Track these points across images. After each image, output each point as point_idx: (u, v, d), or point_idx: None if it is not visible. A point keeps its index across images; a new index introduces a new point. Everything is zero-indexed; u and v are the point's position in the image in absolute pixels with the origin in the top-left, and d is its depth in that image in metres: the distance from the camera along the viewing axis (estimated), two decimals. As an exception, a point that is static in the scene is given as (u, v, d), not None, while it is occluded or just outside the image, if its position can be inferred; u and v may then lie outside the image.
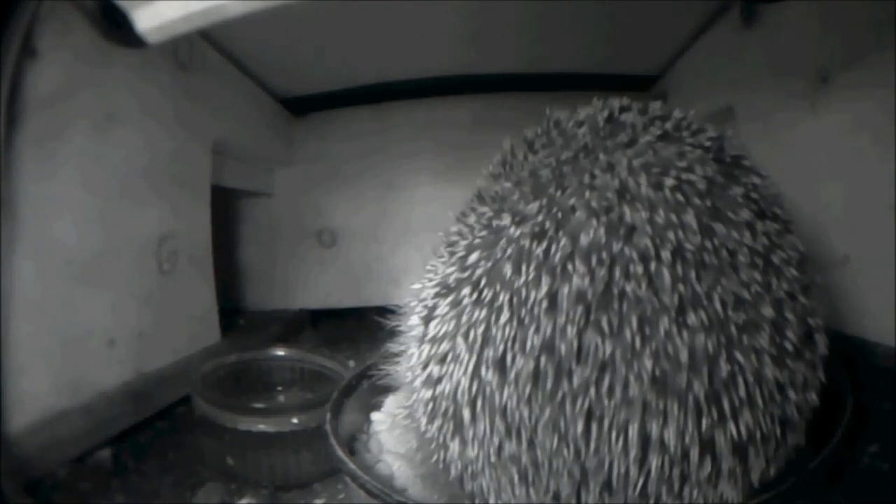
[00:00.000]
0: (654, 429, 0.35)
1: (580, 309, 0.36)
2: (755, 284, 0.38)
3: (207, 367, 0.71)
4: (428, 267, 0.48)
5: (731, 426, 0.36)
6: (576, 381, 0.36)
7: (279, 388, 0.77)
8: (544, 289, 0.37)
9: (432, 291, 0.44)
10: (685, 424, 0.35)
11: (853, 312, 0.64)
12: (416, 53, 1.03)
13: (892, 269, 0.56)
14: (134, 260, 0.73)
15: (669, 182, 0.39)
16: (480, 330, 0.39)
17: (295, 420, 0.61)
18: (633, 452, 0.36)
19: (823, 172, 0.69)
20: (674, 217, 0.38)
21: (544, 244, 0.38)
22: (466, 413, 0.40)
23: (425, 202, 1.14)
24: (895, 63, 0.55)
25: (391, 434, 0.61)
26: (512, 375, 0.37)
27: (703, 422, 0.36)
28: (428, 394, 0.43)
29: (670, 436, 0.35)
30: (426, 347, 0.43)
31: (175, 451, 0.67)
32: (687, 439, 0.36)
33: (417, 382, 0.44)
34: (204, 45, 0.88)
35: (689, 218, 0.38)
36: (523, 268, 0.38)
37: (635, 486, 0.36)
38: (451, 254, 0.45)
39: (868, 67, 0.60)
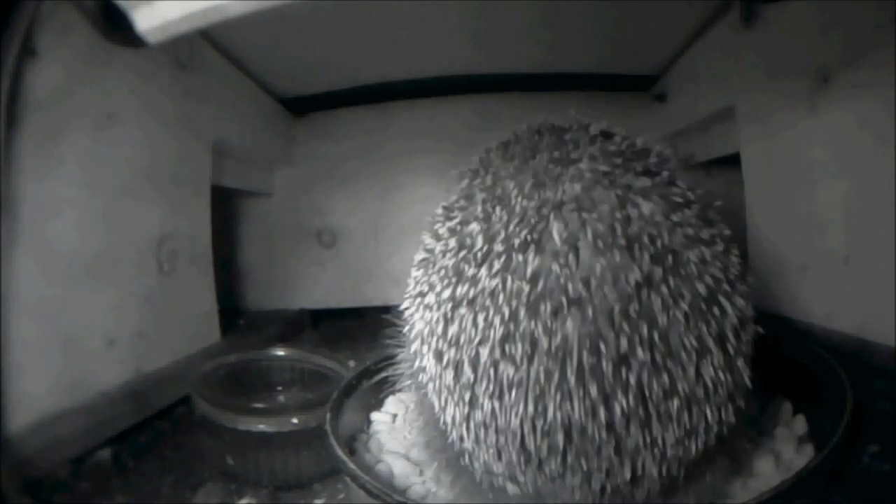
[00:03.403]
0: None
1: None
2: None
3: (207, 367, 0.71)
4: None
5: None
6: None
7: (279, 388, 0.77)
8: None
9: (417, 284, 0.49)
10: None
11: (853, 312, 0.64)
12: (416, 53, 1.03)
13: (892, 269, 0.56)
14: (134, 260, 0.73)
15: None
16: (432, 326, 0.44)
17: (295, 420, 0.60)
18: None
19: (823, 172, 0.69)
20: None
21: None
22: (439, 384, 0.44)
23: (425, 202, 1.14)
24: (895, 63, 0.55)
25: (391, 434, 0.61)
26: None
27: None
28: (424, 372, 0.46)
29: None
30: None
31: (175, 451, 0.66)
32: None
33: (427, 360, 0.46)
34: (204, 45, 0.88)
35: None
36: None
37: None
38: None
39: (868, 67, 0.60)
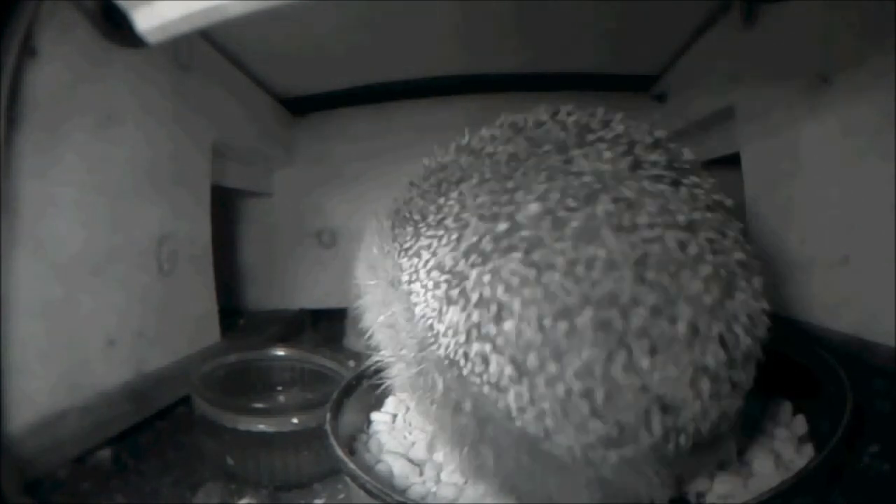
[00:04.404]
0: (697, 356, 0.42)
1: (629, 267, 0.42)
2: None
3: (207, 367, 0.71)
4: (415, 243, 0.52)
5: (743, 345, 0.44)
6: (637, 323, 0.41)
7: (279, 388, 0.77)
8: (591, 250, 0.42)
9: (457, 263, 0.46)
10: (716, 350, 0.42)
11: (853, 312, 0.64)
12: (416, 53, 1.03)
13: (892, 269, 0.56)
14: (134, 260, 0.73)
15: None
16: (535, 287, 0.43)
17: (295, 420, 0.61)
18: (685, 378, 0.42)
19: (823, 172, 0.69)
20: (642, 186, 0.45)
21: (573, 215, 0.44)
22: (532, 358, 0.42)
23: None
24: (895, 64, 0.55)
25: (391, 434, 0.61)
26: (578, 324, 0.42)
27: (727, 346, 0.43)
28: (486, 347, 0.44)
29: (709, 360, 0.42)
30: (473, 311, 0.45)
31: (175, 451, 0.67)
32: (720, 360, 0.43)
33: (461, 339, 0.45)
34: (204, 45, 0.88)
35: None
36: (565, 233, 0.43)
37: (691, 405, 0.42)
38: (464, 224, 0.47)
39: (868, 68, 0.60)
